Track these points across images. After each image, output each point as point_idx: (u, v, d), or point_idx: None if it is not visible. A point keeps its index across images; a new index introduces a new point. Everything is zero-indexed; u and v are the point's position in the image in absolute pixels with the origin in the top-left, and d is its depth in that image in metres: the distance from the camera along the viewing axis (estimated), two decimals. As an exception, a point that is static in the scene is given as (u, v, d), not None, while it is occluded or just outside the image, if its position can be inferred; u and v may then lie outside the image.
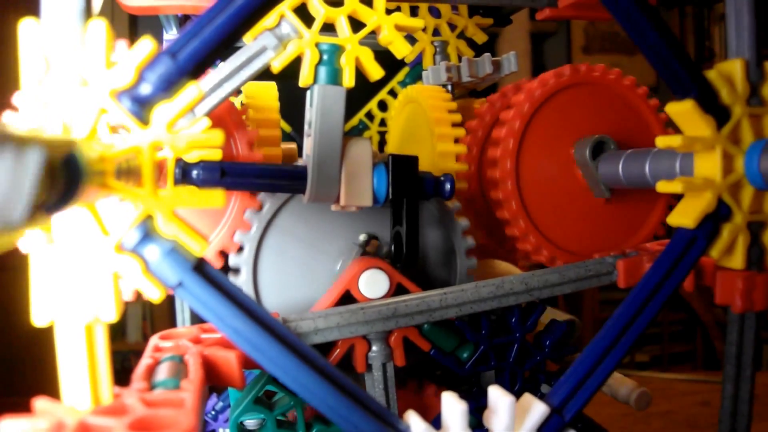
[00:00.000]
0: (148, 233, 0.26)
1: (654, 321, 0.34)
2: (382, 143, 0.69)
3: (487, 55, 0.55)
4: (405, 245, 0.41)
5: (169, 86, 0.25)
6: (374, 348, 0.41)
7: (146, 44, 0.25)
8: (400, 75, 0.70)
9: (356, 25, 0.40)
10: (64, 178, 0.18)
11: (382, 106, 0.71)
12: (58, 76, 0.24)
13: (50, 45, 0.24)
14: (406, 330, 0.42)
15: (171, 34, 0.57)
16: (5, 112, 0.29)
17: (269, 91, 0.49)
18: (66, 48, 0.24)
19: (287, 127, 0.67)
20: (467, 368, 0.43)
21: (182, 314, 0.59)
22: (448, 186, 0.42)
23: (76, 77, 0.24)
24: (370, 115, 0.71)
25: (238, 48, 0.38)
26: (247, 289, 0.45)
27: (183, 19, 0.56)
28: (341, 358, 0.41)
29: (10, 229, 0.16)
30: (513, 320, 0.43)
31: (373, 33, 0.41)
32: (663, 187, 0.34)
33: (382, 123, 0.71)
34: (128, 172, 0.26)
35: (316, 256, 0.46)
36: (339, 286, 0.42)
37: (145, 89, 0.25)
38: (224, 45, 0.26)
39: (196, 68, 0.26)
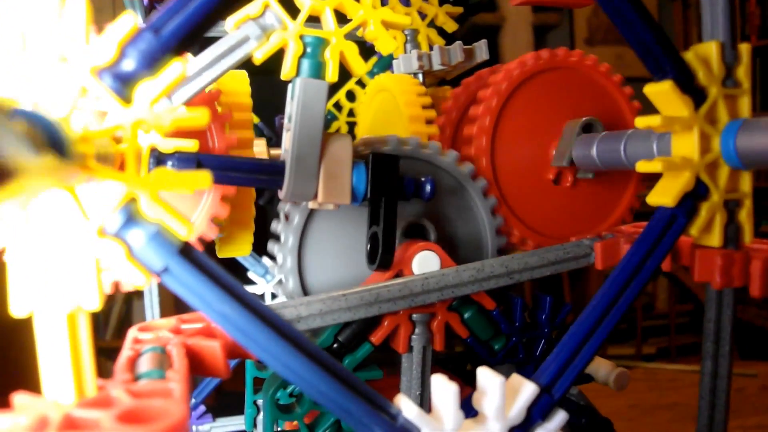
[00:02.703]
0: (131, 217, 0.25)
1: (637, 300, 0.34)
2: (351, 134, 0.69)
3: (458, 43, 0.55)
4: (381, 245, 0.40)
5: (152, 63, 0.24)
6: (417, 330, 0.42)
7: (128, 20, 0.24)
8: (368, 64, 0.69)
9: (341, 18, 0.39)
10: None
11: (350, 96, 0.71)
12: (36, 52, 0.23)
13: (27, 19, 0.23)
14: (449, 315, 0.42)
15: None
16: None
17: (240, 78, 0.49)
18: (44, 23, 0.23)
19: (255, 119, 0.66)
20: (498, 358, 0.45)
21: (151, 309, 0.57)
22: (428, 187, 0.42)
23: (55, 53, 0.23)
24: (338, 106, 0.70)
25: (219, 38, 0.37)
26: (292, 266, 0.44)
27: (149, 4, 0.54)
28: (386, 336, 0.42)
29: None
30: (543, 316, 0.45)
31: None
32: (643, 166, 0.35)
33: (351, 113, 0.70)
34: (106, 156, 0.25)
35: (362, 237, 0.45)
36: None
37: (127, 66, 0.24)
38: (209, 21, 0.25)
39: (180, 44, 0.25)
